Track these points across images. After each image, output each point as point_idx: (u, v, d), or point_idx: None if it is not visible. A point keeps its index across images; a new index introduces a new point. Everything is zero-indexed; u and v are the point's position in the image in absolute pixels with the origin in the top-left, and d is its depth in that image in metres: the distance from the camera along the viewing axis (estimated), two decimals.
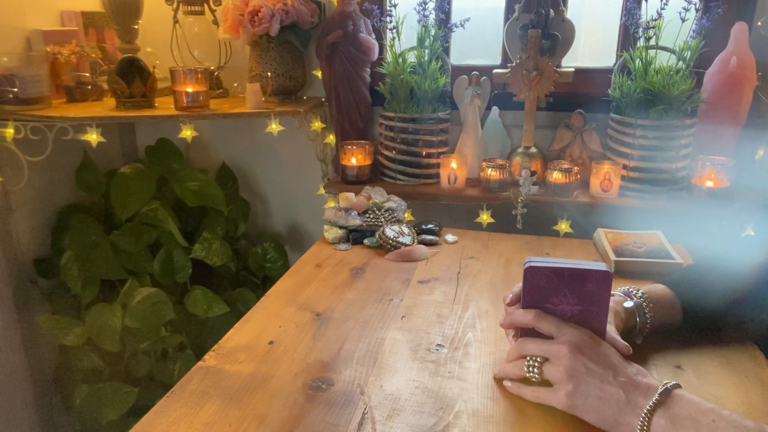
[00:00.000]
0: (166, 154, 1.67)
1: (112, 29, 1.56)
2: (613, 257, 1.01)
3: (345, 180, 1.50)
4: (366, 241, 1.15)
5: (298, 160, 1.74)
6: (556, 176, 1.35)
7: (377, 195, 1.27)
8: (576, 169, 1.36)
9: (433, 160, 1.46)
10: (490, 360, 0.75)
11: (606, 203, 1.32)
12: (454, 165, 1.40)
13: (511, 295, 0.74)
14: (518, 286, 0.72)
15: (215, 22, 1.57)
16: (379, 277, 1.01)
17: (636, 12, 1.29)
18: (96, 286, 1.48)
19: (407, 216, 1.31)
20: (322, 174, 1.67)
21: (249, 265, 1.72)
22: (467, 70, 1.50)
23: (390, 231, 1.14)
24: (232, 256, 1.65)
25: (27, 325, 1.49)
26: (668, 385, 0.58)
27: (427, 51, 1.42)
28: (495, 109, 1.50)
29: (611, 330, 0.69)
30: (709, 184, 1.29)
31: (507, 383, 0.69)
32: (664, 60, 1.31)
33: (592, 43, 1.58)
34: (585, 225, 1.31)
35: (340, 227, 1.18)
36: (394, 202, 1.25)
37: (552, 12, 1.37)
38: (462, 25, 1.40)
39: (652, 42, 1.30)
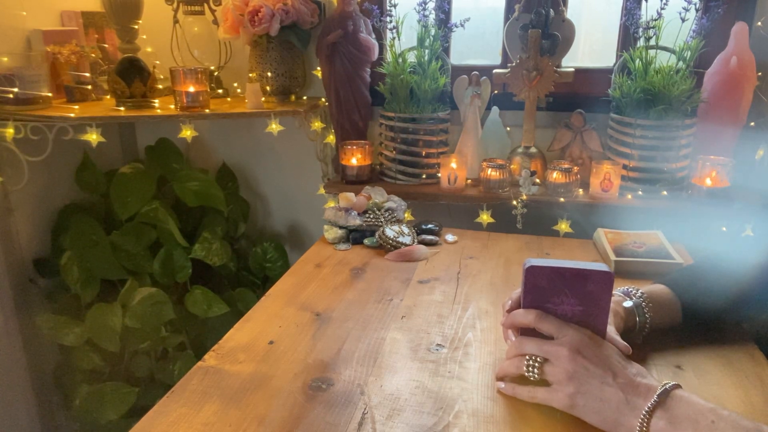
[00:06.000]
0: (166, 154, 1.67)
1: (112, 29, 1.56)
2: (613, 257, 1.01)
3: (345, 180, 1.49)
4: (366, 241, 1.15)
5: (298, 160, 1.75)
6: (556, 176, 1.35)
7: (377, 195, 1.27)
8: (576, 169, 1.36)
9: (433, 160, 1.46)
10: (490, 360, 0.75)
11: (606, 203, 1.32)
12: (454, 165, 1.40)
13: (510, 302, 0.73)
14: (517, 291, 0.72)
15: (215, 22, 1.57)
16: (379, 277, 1.01)
17: (636, 12, 1.29)
18: (96, 286, 1.48)
19: (407, 216, 1.31)
20: (322, 174, 1.67)
21: (249, 265, 1.72)
22: (467, 70, 1.50)
23: (390, 231, 1.14)
24: (232, 256, 1.65)
25: (27, 325, 1.49)
26: (667, 386, 0.58)
27: (427, 51, 1.42)
28: (495, 109, 1.50)
29: (611, 330, 0.69)
30: (709, 183, 1.29)
31: (500, 385, 0.68)
32: (664, 60, 1.31)
33: (592, 43, 1.58)
34: (585, 225, 1.31)
35: (340, 227, 1.18)
36: (394, 202, 1.25)
37: (552, 12, 1.37)
38: (462, 25, 1.40)
39: (652, 42, 1.30)
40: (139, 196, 1.51)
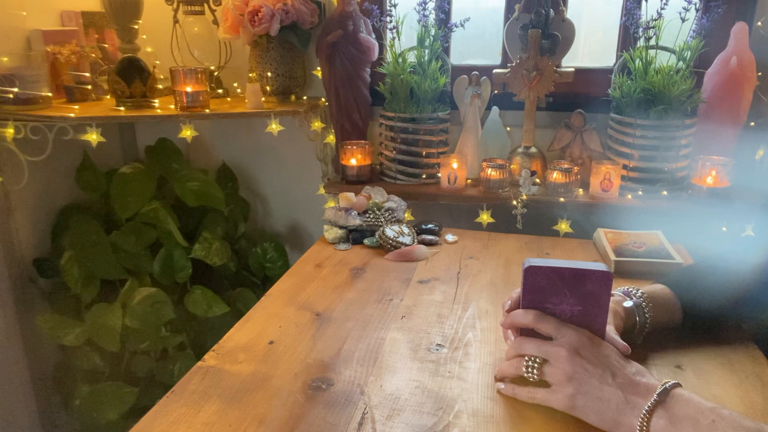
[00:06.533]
0: (166, 154, 1.67)
1: (112, 29, 1.56)
2: (613, 257, 1.01)
3: (345, 180, 1.49)
4: (366, 241, 1.15)
5: (298, 160, 1.75)
6: (556, 176, 1.35)
7: (377, 195, 1.27)
8: (576, 169, 1.36)
9: (433, 160, 1.46)
10: (490, 360, 0.75)
11: (606, 203, 1.32)
12: (454, 165, 1.40)
13: (509, 302, 0.73)
14: (516, 291, 0.72)
15: (215, 22, 1.57)
16: (379, 277, 1.01)
17: (636, 12, 1.29)
18: (96, 286, 1.48)
19: (407, 216, 1.31)
20: (322, 174, 1.67)
21: (249, 265, 1.72)
22: (467, 70, 1.50)
23: (390, 231, 1.14)
24: (232, 256, 1.65)
25: (27, 325, 1.49)
26: (667, 384, 0.58)
27: (427, 51, 1.42)
28: (495, 109, 1.50)
29: (611, 330, 0.69)
30: (709, 183, 1.29)
31: (500, 385, 0.68)
32: (664, 60, 1.31)
33: (592, 43, 1.58)
34: (585, 225, 1.31)
35: (340, 227, 1.18)
36: (394, 202, 1.25)
37: (552, 12, 1.37)
38: (462, 25, 1.40)
39: (652, 42, 1.30)
40: (139, 196, 1.51)
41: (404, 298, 0.93)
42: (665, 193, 1.34)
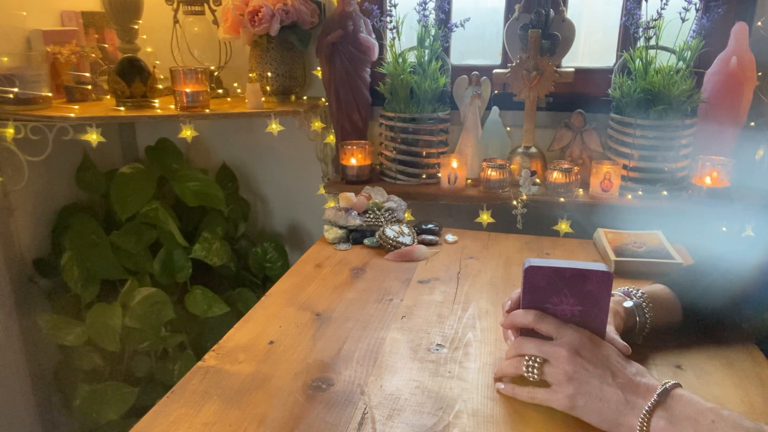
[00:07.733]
0: (166, 154, 1.67)
1: (112, 29, 1.56)
2: (613, 257, 1.01)
3: (345, 180, 1.49)
4: (366, 241, 1.15)
5: (298, 160, 1.75)
6: (556, 176, 1.35)
7: (377, 195, 1.27)
8: (576, 169, 1.36)
9: (433, 160, 1.46)
10: (490, 360, 0.75)
11: (606, 203, 1.32)
12: (454, 165, 1.40)
13: (510, 302, 0.73)
14: (516, 292, 0.72)
15: (215, 22, 1.57)
16: (379, 277, 1.01)
17: (636, 12, 1.29)
18: (96, 286, 1.48)
19: (407, 216, 1.31)
20: (322, 174, 1.67)
21: (249, 265, 1.72)
22: (467, 70, 1.50)
23: (390, 231, 1.14)
24: (232, 256, 1.65)
25: (27, 325, 1.49)
26: (667, 385, 0.58)
27: (427, 51, 1.42)
28: (495, 109, 1.50)
29: (611, 330, 0.69)
30: (709, 183, 1.29)
31: (500, 385, 0.68)
32: (664, 60, 1.31)
33: (592, 43, 1.58)
34: (585, 225, 1.31)
35: (340, 227, 1.18)
36: (394, 202, 1.25)
37: (552, 12, 1.37)
38: (462, 25, 1.40)
39: (652, 42, 1.30)
40: (139, 196, 1.51)
41: (404, 298, 0.93)
42: (665, 193, 1.34)
